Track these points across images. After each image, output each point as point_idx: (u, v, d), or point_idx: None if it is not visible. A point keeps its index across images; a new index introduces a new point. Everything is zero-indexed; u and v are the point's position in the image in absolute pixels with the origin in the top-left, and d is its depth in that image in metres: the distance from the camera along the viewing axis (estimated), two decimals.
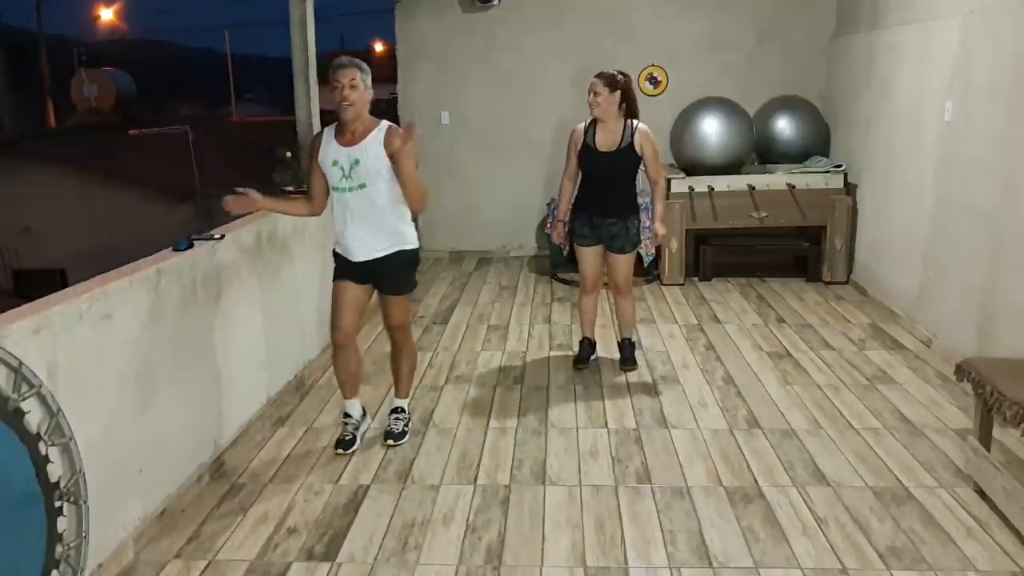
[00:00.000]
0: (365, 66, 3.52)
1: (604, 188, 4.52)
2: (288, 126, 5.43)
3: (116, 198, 14.00)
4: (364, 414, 4.00)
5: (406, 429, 3.92)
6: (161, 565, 2.93)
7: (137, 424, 3.02)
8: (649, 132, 4.47)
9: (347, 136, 3.53)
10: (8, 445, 2.29)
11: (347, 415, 3.90)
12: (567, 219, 4.68)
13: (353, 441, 3.82)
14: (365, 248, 3.61)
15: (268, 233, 4.30)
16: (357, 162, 3.49)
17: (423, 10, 7.67)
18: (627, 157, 4.44)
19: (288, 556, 2.97)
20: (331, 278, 5.15)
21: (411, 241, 3.69)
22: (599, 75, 4.40)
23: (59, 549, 2.46)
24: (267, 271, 4.27)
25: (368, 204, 3.54)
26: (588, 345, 4.89)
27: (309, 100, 5.03)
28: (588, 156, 4.49)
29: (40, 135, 19.98)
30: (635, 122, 4.46)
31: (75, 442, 2.55)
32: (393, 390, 4.03)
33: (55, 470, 2.45)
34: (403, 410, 3.97)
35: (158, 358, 3.17)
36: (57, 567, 2.45)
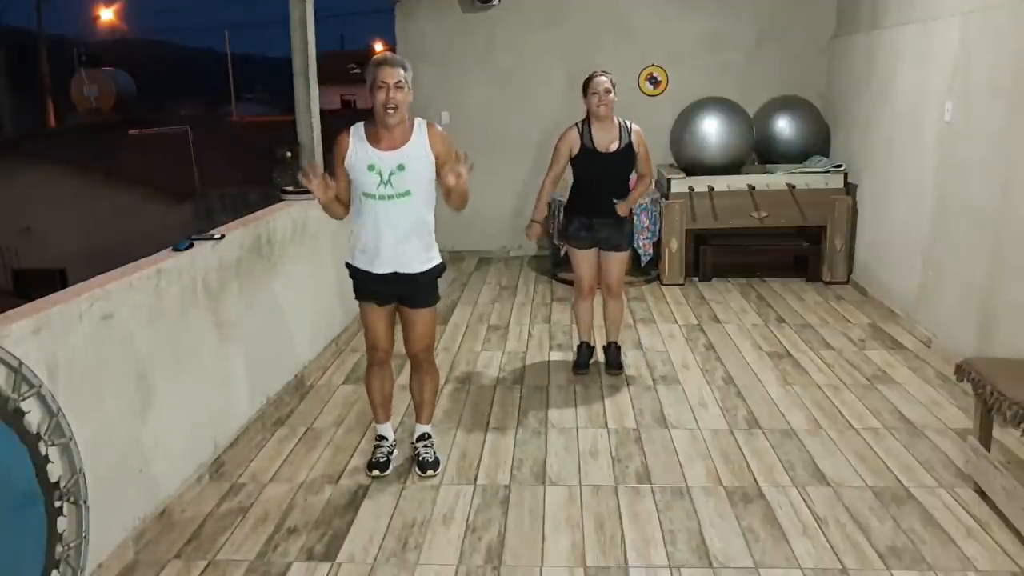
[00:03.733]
0: (407, 63, 3.21)
1: (603, 189, 4.49)
2: (288, 126, 5.42)
3: (116, 198, 14.01)
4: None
5: (438, 457, 3.67)
6: (161, 565, 2.93)
7: (137, 424, 3.02)
8: (641, 131, 4.49)
9: (385, 139, 3.21)
10: (8, 445, 2.29)
11: (382, 437, 3.68)
12: (541, 220, 4.64)
13: (388, 463, 3.62)
14: (398, 262, 3.31)
15: (268, 234, 4.30)
16: (401, 167, 3.20)
17: (423, 10, 7.67)
18: (627, 156, 4.44)
19: (288, 556, 2.97)
20: (330, 279, 5.20)
21: (439, 254, 3.45)
22: (603, 73, 4.38)
23: (59, 549, 2.46)
24: (267, 271, 4.27)
25: (408, 213, 3.26)
26: (587, 349, 4.85)
27: (309, 100, 5.03)
28: (588, 158, 4.44)
29: (40, 135, 19.99)
30: (628, 121, 4.48)
31: (75, 442, 2.55)
32: (415, 416, 3.73)
33: (55, 470, 2.45)
34: (430, 436, 3.69)
35: (158, 358, 3.17)
36: (57, 567, 2.45)
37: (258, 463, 3.71)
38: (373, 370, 3.58)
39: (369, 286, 3.39)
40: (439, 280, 3.49)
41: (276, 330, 4.36)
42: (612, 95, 4.34)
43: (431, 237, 3.41)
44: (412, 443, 3.72)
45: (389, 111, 3.14)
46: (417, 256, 3.35)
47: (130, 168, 15.65)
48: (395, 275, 3.34)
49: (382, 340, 3.49)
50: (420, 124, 3.28)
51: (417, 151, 3.24)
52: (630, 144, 4.42)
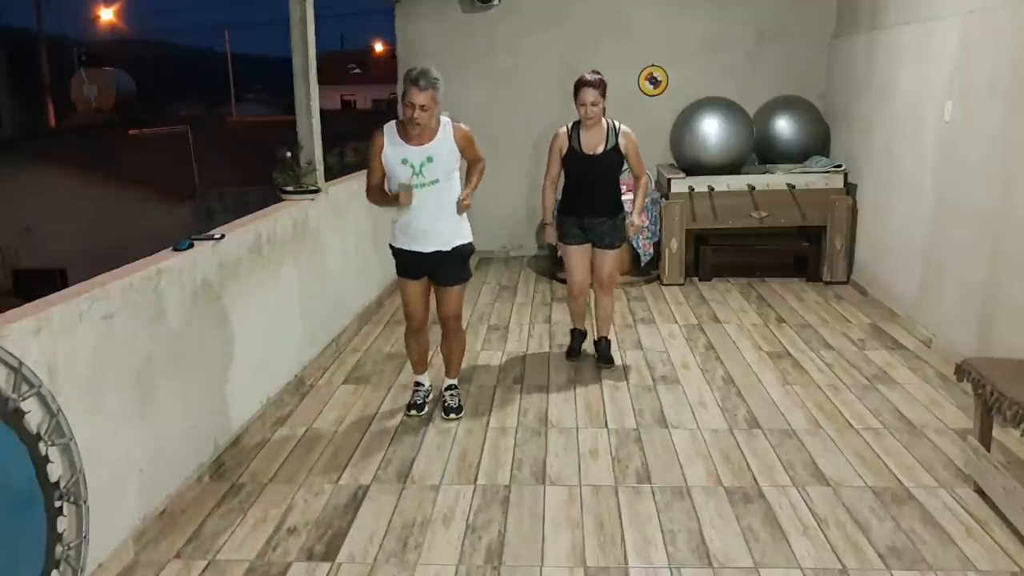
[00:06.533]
0: (440, 81, 3.59)
1: (593, 189, 4.57)
2: (288, 126, 5.42)
3: (116, 198, 14.02)
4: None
5: (462, 404, 4.19)
6: (161, 565, 2.93)
7: (137, 424, 3.02)
8: (631, 132, 4.52)
9: (415, 137, 3.69)
10: (8, 445, 2.29)
11: (419, 383, 4.24)
12: (554, 221, 4.75)
13: (424, 406, 4.18)
14: (432, 240, 3.82)
15: (268, 233, 4.30)
16: (431, 159, 3.69)
17: (423, 10, 7.67)
18: (613, 158, 4.51)
19: (288, 556, 2.97)
20: (330, 278, 5.20)
21: (469, 235, 3.94)
22: (588, 83, 4.34)
23: (59, 549, 2.46)
24: (267, 271, 4.27)
25: (439, 198, 3.76)
26: (579, 335, 5.01)
27: (309, 100, 5.03)
28: (575, 160, 4.53)
29: (40, 135, 20.00)
30: (616, 122, 4.51)
31: (75, 442, 2.55)
32: (444, 371, 4.26)
33: (55, 470, 2.45)
34: (456, 387, 4.23)
35: (158, 358, 3.17)
36: (57, 567, 2.45)
37: (258, 463, 3.71)
38: (411, 333, 4.15)
39: (408, 263, 3.91)
40: (469, 260, 4.00)
41: (276, 330, 4.36)
42: (599, 106, 4.37)
43: (461, 220, 3.89)
44: (441, 391, 4.25)
45: (412, 124, 3.61)
46: (450, 232, 3.84)
47: (130, 168, 15.66)
48: (432, 255, 3.84)
49: (418, 311, 4.03)
50: (445, 123, 3.75)
51: (443, 145, 3.73)
52: (616, 146, 4.48)
